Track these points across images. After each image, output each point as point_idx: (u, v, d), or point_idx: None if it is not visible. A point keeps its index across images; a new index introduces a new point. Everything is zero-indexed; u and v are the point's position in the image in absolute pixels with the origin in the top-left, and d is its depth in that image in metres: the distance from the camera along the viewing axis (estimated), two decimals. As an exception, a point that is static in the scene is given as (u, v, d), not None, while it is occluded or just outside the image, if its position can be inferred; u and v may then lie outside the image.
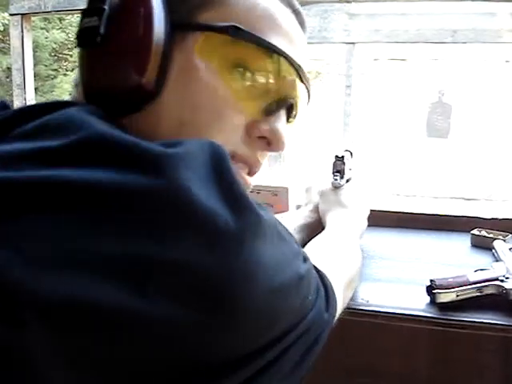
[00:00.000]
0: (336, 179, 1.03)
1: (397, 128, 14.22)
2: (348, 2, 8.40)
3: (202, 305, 0.40)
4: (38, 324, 0.35)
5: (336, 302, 0.63)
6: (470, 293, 0.80)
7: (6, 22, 10.54)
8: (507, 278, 0.81)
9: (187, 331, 0.40)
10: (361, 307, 0.80)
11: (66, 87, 13.93)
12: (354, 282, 0.82)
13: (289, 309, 0.49)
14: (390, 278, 0.91)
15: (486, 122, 14.58)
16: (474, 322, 0.75)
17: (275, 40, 0.59)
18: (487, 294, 0.80)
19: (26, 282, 0.36)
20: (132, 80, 0.54)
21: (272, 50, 0.59)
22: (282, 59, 0.60)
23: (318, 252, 0.77)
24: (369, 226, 1.03)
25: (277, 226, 0.49)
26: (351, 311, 0.80)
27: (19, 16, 5.68)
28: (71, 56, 15.04)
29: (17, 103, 5.81)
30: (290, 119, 0.65)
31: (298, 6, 0.64)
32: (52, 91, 13.82)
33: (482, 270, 0.85)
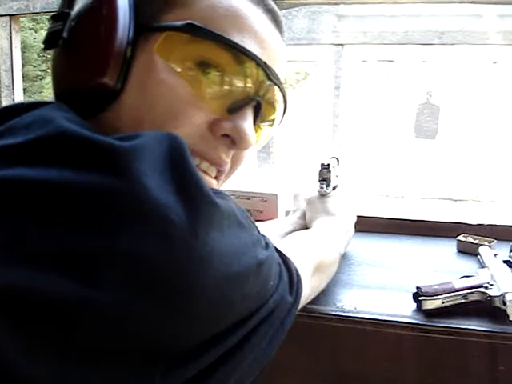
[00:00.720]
0: (322, 187, 1.05)
1: (385, 129, 14.26)
2: (336, 4, 8.43)
3: (154, 294, 0.41)
4: (2, 320, 0.37)
5: (301, 285, 0.64)
6: (455, 300, 0.81)
7: (-6, 23, 10.54)
8: (491, 284, 0.82)
9: (139, 318, 0.41)
10: (349, 314, 0.82)
11: (54, 88, 13.91)
12: (325, 270, 0.83)
13: (247, 295, 0.50)
14: (378, 285, 0.92)
15: (474, 123, 14.66)
16: (460, 328, 0.77)
17: (239, 38, 0.60)
18: (472, 301, 0.82)
19: None
20: (94, 80, 0.57)
21: (233, 48, 0.59)
22: (244, 57, 0.60)
23: (290, 242, 0.80)
24: (357, 231, 1.05)
25: (235, 213, 0.51)
26: (340, 318, 0.82)
27: (7, 17, 5.65)
28: (59, 57, 15.02)
29: (5, 104, 5.80)
30: (261, 120, 0.67)
31: (270, 4, 0.66)
32: (40, 92, 13.76)
33: (467, 276, 0.87)
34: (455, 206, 7.26)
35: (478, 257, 1.01)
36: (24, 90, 6.26)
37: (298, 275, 0.64)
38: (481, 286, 0.82)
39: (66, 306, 0.39)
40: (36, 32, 13.97)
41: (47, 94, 13.71)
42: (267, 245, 0.56)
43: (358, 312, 0.82)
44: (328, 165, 1.06)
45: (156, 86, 0.58)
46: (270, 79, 0.63)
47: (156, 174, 0.44)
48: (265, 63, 0.62)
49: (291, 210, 1.14)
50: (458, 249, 1.11)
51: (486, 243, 1.08)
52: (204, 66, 0.59)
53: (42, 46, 0.60)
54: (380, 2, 5.37)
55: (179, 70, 0.58)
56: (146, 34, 0.59)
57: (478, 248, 1.04)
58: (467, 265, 1.02)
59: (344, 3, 8.32)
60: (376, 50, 13.92)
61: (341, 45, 11.87)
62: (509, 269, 0.88)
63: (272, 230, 1.01)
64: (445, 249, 1.11)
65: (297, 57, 15.34)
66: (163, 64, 0.58)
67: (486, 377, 0.78)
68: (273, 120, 0.69)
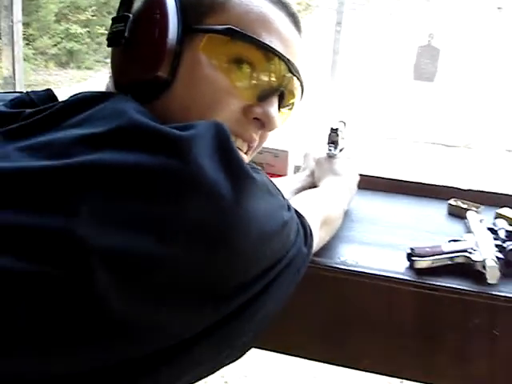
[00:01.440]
0: (330, 149, 1.16)
1: (384, 69, 14.17)
2: None
3: (211, 247, 0.56)
4: (102, 268, 0.50)
5: (312, 238, 0.78)
6: (443, 261, 0.94)
7: None
8: (475, 250, 0.95)
9: (201, 265, 0.56)
10: (350, 268, 0.95)
11: (51, 8, 13.63)
12: (330, 224, 0.98)
13: (274, 248, 0.64)
14: (376, 242, 1.05)
15: (474, 68, 14.56)
16: (445, 286, 0.91)
17: (268, 39, 0.74)
18: (457, 263, 0.95)
19: (89, 237, 0.51)
20: (150, 73, 0.70)
21: (264, 47, 0.74)
22: (272, 55, 0.75)
23: (302, 200, 0.94)
24: (359, 189, 1.18)
25: (267, 184, 0.65)
26: (342, 271, 0.95)
27: None
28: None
29: (3, 25, 5.75)
30: (285, 105, 0.82)
31: (292, 9, 0.80)
32: (37, 11, 13.53)
33: (454, 240, 1.00)
34: (447, 151, 7.36)
35: (466, 221, 1.14)
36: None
37: (311, 230, 0.78)
38: (465, 251, 0.95)
39: (151, 261, 0.53)
40: None
41: (44, 13, 13.48)
42: (289, 207, 0.70)
43: (358, 266, 0.95)
44: (336, 129, 1.17)
45: (201, 78, 0.72)
46: (291, 72, 0.78)
47: (208, 157, 0.58)
48: (288, 59, 0.76)
49: (301, 167, 1.26)
50: (448, 211, 1.23)
51: (474, 208, 1.20)
52: (239, 62, 0.73)
53: (107, 43, 0.73)
54: None
55: (220, 65, 0.72)
56: (191, 35, 0.72)
57: (466, 212, 1.16)
58: (456, 228, 1.14)
59: None
60: (380, -13, 13.70)
61: (345, -22, 11.70)
62: (491, 235, 1.01)
63: (285, 186, 1.13)
64: (437, 211, 1.23)
65: (304, 49, 15.06)
66: (206, 61, 0.72)
67: (461, 327, 0.92)
68: (292, 103, 0.84)
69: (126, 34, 0.71)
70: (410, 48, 14.09)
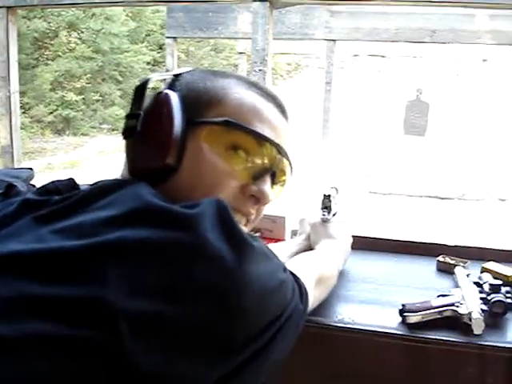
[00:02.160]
0: (324, 214, 1.26)
1: (374, 125, 14.40)
2: (330, 4, 8.58)
3: (217, 306, 0.64)
4: (129, 332, 0.59)
5: (308, 296, 0.87)
6: (432, 315, 1.02)
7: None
8: (461, 303, 1.03)
9: (211, 324, 0.64)
10: (347, 325, 1.03)
11: (46, 76, 13.94)
12: (325, 283, 1.06)
13: (274, 304, 0.73)
14: (370, 300, 1.13)
15: (463, 120, 14.81)
16: (435, 339, 0.98)
17: (259, 127, 0.86)
18: (446, 317, 1.02)
19: (116, 302, 0.60)
20: (159, 161, 0.81)
21: (257, 135, 0.85)
22: (264, 141, 0.86)
23: (297, 262, 1.04)
24: (352, 250, 1.26)
25: (264, 250, 0.74)
26: (339, 328, 1.03)
27: (5, 9, 5.71)
28: (52, 45, 15.02)
29: (0, 95, 5.90)
30: (277, 182, 0.93)
31: (279, 100, 0.93)
32: (33, 80, 13.84)
33: (443, 295, 1.07)
34: (441, 204, 7.46)
35: (454, 276, 1.21)
36: (17, 78, 6.31)
37: (306, 289, 0.87)
38: (453, 305, 1.03)
39: (166, 321, 0.62)
40: (29, 20, 14.00)
41: (40, 82, 13.75)
42: (285, 269, 0.79)
43: (355, 324, 1.03)
44: (329, 195, 1.27)
45: (203, 164, 0.83)
46: (281, 154, 0.89)
47: (213, 230, 0.67)
48: (278, 144, 0.88)
49: (298, 231, 1.34)
50: (437, 267, 1.31)
51: (462, 264, 1.28)
52: (236, 148, 0.85)
53: (122, 135, 0.85)
54: (372, 4, 5.55)
55: (219, 152, 0.84)
56: (193, 127, 0.84)
57: (454, 268, 1.24)
58: (445, 283, 1.22)
59: (337, 4, 8.50)
60: (368, 45, 14.10)
61: (333, 40, 12.03)
62: (477, 289, 1.09)
63: (282, 250, 1.21)
64: (427, 267, 1.31)
65: (288, 49, 15.49)
66: (208, 148, 0.83)
67: (452, 377, 0.99)
68: (283, 180, 0.95)
69: (138, 128, 0.83)
70: (398, 103, 14.34)
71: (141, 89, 0.85)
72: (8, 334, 0.58)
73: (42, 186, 0.82)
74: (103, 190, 0.74)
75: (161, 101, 0.84)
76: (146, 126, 0.83)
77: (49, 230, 0.68)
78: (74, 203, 0.72)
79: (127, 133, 0.85)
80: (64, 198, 0.75)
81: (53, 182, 0.82)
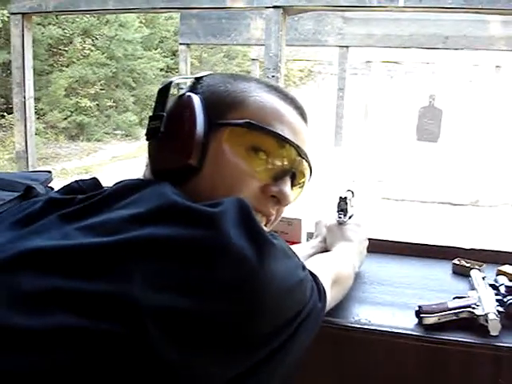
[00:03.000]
0: (340, 217, 1.27)
1: (387, 130, 14.38)
2: (342, 11, 8.58)
3: (240, 303, 0.66)
4: (152, 323, 0.61)
5: (326, 294, 0.88)
6: (448, 317, 1.03)
7: (5, 19, 10.67)
8: (478, 305, 1.03)
9: (232, 320, 0.65)
10: (364, 326, 1.04)
11: (61, 83, 14.04)
12: (341, 283, 1.07)
13: (294, 301, 0.75)
14: (387, 302, 1.14)
15: (476, 126, 14.76)
16: (451, 340, 0.99)
17: (280, 129, 0.88)
18: (462, 318, 1.03)
19: (141, 298, 0.62)
20: (183, 161, 0.83)
21: (277, 136, 0.87)
22: (284, 143, 0.88)
23: (315, 262, 1.05)
24: (368, 252, 1.27)
25: (284, 248, 0.75)
26: (356, 329, 1.04)
27: (20, 15, 5.76)
28: (67, 51, 15.14)
29: (16, 100, 5.95)
30: (296, 184, 0.94)
31: (298, 103, 0.95)
32: (48, 86, 13.95)
33: (459, 297, 1.08)
34: (454, 210, 7.43)
35: (470, 279, 1.22)
36: (31, 84, 6.36)
37: (324, 288, 0.88)
38: (469, 306, 1.03)
39: (191, 317, 0.63)
40: (44, 27, 14.12)
41: (54, 88, 13.86)
42: (304, 268, 0.80)
43: (371, 325, 1.04)
44: (345, 197, 1.28)
45: (225, 164, 0.85)
46: (301, 156, 0.91)
47: (234, 228, 0.69)
48: (297, 145, 0.90)
49: (314, 234, 1.35)
50: (453, 270, 1.32)
51: (477, 267, 1.28)
52: (257, 149, 0.87)
53: (146, 136, 0.87)
54: (385, 10, 5.55)
55: (240, 153, 0.85)
56: (215, 128, 0.85)
57: (470, 271, 1.25)
58: (460, 285, 1.22)
59: (350, 11, 8.50)
60: (380, 53, 14.08)
61: (346, 47, 12.07)
62: (493, 291, 1.09)
63: (299, 252, 1.22)
64: (443, 270, 1.32)
65: (301, 56, 15.50)
66: (229, 149, 0.85)
67: (468, 377, 1.00)
68: (303, 182, 0.97)
69: (161, 129, 0.84)
70: (411, 109, 14.32)
71: (164, 91, 0.87)
72: (34, 326, 0.60)
73: (67, 185, 0.84)
74: (128, 188, 0.76)
75: (184, 103, 0.86)
76: (169, 127, 0.85)
77: (74, 227, 0.70)
78: (99, 201, 0.74)
79: (150, 134, 0.87)
80: (89, 196, 0.77)
81: (76, 181, 0.84)
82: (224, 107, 0.87)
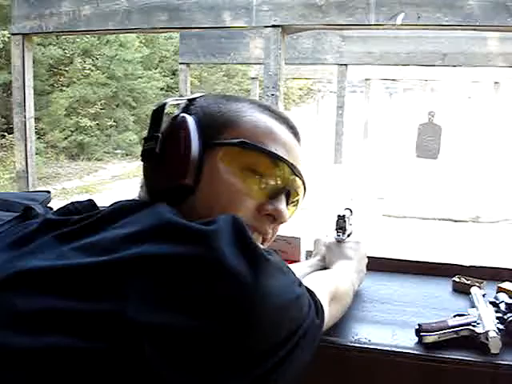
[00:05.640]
0: (339, 235, 1.27)
1: (387, 148, 14.40)
2: (340, 29, 8.64)
3: (237, 319, 0.65)
4: (148, 342, 0.61)
5: (323, 311, 0.88)
6: (449, 335, 1.02)
7: (6, 40, 10.75)
8: (478, 323, 1.03)
9: (229, 337, 0.65)
10: (363, 345, 1.03)
11: (61, 102, 14.09)
12: (340, 301, 1.07)
13: (291, 318, 0.74)
14: (387, 321, 1.13)
15: (476, 142, 14.78)
16: (452, 358, 0.98)
17: (274, 148, 0.88)
18: (462, 336, 1.02)
19: (136, 317, 0.62)
20: (178, 182, 0.83)
21: (272, 155, 0.88)
22: (278, 161, 0.89)
23: (312, 279, 1.05)
24: (368, 270, 1.27)
25: (279, 264, 0.75)
26: (356, 348, 1.03)
27: (21, 36, 5.80)
28: (67, 71, 15.21)
29: (16, 120, 5.98)
30: (290, 202, 0.94)
31: (291, 122, 0.96)
32: (48, 106, 14.00)
33: (459, 315, 1.07)
34: (455, 227, 7.42)
35: (470, 296, 1.21)
36: (32, 104, 6.38)
37: (322, 305, 0.88)
38: (469, 324, 1.03)
39: (187, 334, 0.63)
40: (45, 47, 14.21)
41: (54, 108, 13.91)
42: (300, 284, 0.80)
43: (371, 344, 1.03)
44: (343, 216, 1.28)
45: (220, 184, 0.85)
46: (295, 174, 0.92)
47: (229, 245, 0.69)
48: (291, 163, 0.90)
49: (313, 252, 1.35)
50: (453, 288, 1.31)
51: (477, 284, 1.28)
52: (252, 168, 0.87)
53: (140, 158, 0.88)
54: (383, 29, 5.58)
55: (235, 172, 0.86)
56: (210, 148, 0.86)
57: (470, 288, 1.24)
58: (461, 303, 1.22)
59: (348, 29, 8.56)
60: (379, 70, 14.16)
61: (344, 65, 12.14)
62: (493, 309, 1.09)
63: (297, 271, 1.22)
64: (443, 288, 1.31)
65: (300, 74, 15.58)
66: (224, 169, 0.86)
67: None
68: (297, 200, 0.97)
69: (156, 150, 0.85)
70: (411, 126, 14.35)
71: (158, 112, 0.88)
72: (29, 346, 0.60)
73: (62, 207, 0.84)
74: (123, 209, 0.76)
75: (178, 124, 0.87)
76: (164, 148, 0.85)
77: (70, 247, 0.70)
78: (95, 222, 0.75)
79: (145, 155, 0.87)
80: (84, 217, 0.77)
81: (72, 203, 0.85)
82: (218, 127, 0.88)
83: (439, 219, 7.74)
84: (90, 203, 0.85)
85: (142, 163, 0.90)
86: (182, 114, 0.88)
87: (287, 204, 0.93)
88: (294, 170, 0.91)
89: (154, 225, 0.71)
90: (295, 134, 0.96)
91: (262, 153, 0.87)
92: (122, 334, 0.61)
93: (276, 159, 0.88)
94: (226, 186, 0.85)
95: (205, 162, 0.85)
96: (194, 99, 0.93)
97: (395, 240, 6.18)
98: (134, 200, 0.84)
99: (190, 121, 0.87)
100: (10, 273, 0.67)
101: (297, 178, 0.92)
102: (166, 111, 0.89)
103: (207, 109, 0.91)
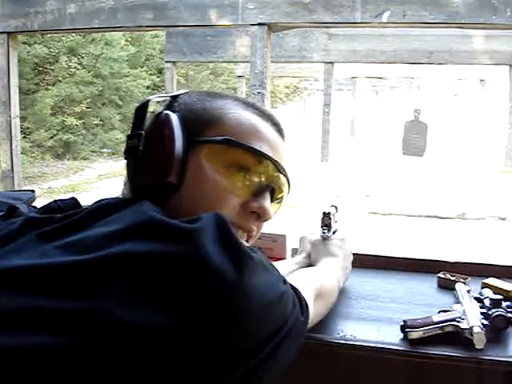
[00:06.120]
0: (324, 232, 1.27)
1: (373, 145, 14.45)
2: (326, 27, 8.65)
3: (221, 316, 0.65)
4: (132, 344, 0.61)
5: (308, 308, 0.88)
6: (433, 331, 1.02)
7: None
8: (463, 319, 1.03)
9: (213, 336, 0.65)
10: (349, 342, 1.03)
11: (47, 101, 14.02)
12: (325, 298, 1.06)
13: (275, 315, 0.74)
14: (372, 317, 1.13)
15: (462, 140, 14.86)
16: (437, 354, 0.98)
17: (258, 145, 0.88)
18: (447, 332, 1.03)
19: (118, 316, 0.61)
20: (162, 179, 0.83)
21: (256, 152, 0.88)
22: (263, 158, 0.89)
23: (297, 276, 1.05)
24: (353, 267, 1.27)
25: (263, 262, 0.75)
26: (341, 345, 1.03)
27: (5, 34, 5.76)
28: (52, 70, 15.14)
29: (1, 120, 5.93)
30: (275, 199, 0.94)
31: (275, 119, 0.96)
32: (34, 105, 13.91)
33: (444, 311, 1.08)
34: (441, 223, 7.46)
35: (455, 292, 1.22)
36: (17, 103, 6.34)
37: (306, 302, 0.88)
38: (454, 320, 1.03)
39: (170, 333, 0.63)
40: (30, 46, 14.12)
41: (40, 107, 13.83)
42: (284, 281, 0.80)
43: (356, 340, 1.03)
44: (329, 213, 1.28)
45: (205, 181, 0.85)
46: (279, 171, 0.92)
47: (213, 243, 0.69)
48: (276, 161, 0.90)
49: (298, 249, 1.35)
50: (438, 284, 1.31)
51: (462, 280, 1.28)
52: (236, 165, 0.87)
53: (124, 155, 0.87)
54: (369, 27, 5.59)
55: (220, 170, 0.86)
56: (194, 146, 0.86)
57: (455, 284, 1.25)
58: (446, 299, 1.22)
59: (334, 27, 8.58)
60: (365, 68, 14.20)
61: (331, 63, 12.17)
62: (478, 304, 1.09)
63: (283, 268, 1.22)
64: (427, 284, 1.31)
65: (287, 72, 15.59)
66: (209, 166, 0.85)
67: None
68: (281, 197, 0.97)
69: (140, 148, 0.84)
70: (397, 124, 14.40)
71: (141, 110, 0.87)
72: (12, 346, 0.59)
73: (45, 205, 0.84)
74: (106, 207, 0.76)
75: (161, 121, 0.86)
76: (147, 145, 0.85)
77: (52, 245, 0.70)
78: (77, 220, 0.74)
79: (129, 152, 0.86)
80: (67, 215, 0.76)
81: (55, 201, 0.84)
82: (202, 124, 0.88)
83: (425, 216, 7.77)
84: (73, 201, 0.85)
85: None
86: (165, 111, 0.88)
87: (271, 201, 0.93)
88: (279, 167, 0.91)
89: (137, 223, 0.70)
90: (279, 131, 0.96)
91: (247, 150, 0.87)
92: (105, 333, 0.60)
93: (260, 156, 0.88)
94: (211, 184, 0.85)
95: (189, 159, 0.84)
96: (178, 96, 0.93)
97: (382, 237, 6.21)
98: (117, 198, 0.83)
99: (174, 118, 0.86)
100: None
101: (281, 175, 0.92)
102: (150, 109, 0.88)
103: (191, 106, 0.90)
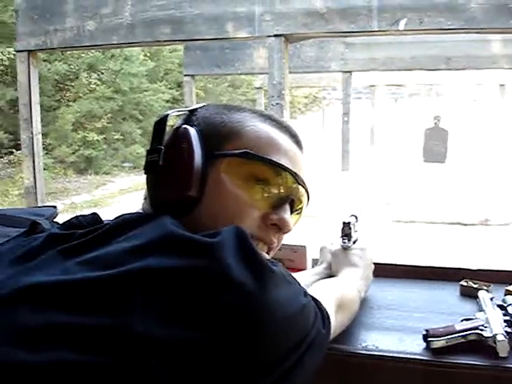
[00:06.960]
0: (345, 242, 1.27)
1: (394, 153, 14.37)
2: (343, 36, 8.65)
3: (243, 330, 0.66)
4: (156, 359, 0.61)
5: (330, 321, 0.88)
6: (456, 340, 1.01)
7: (12, 57, 10.82)
8: (486, 327, 1.02)
9: (235, 349, 0.66)
10: (371, 352, 1.03)
11: (68, 118, 14.16)
12: (346, 309, 1.06)
13: (297, 328, 0.74)
14: (394, 326, 1.13)
15: (483, 145, 14.72)
16: (460, 363, 0.98)
17: (277, 158, 0.89)
18: (470, 340, 1.02)
19: (143, 331, 0.62)
20: (182, 193, 0.84)
21: (275, 165, 0.88)
22: (281, 171, 0.89)
23: (318, 287, 1.05)
24: (374, 277, 1.26)
25: (284, 274, 0.76)
26: (364, 355, 1.03)
27: (26, 52, 5.83)
28: (73, 87, 15.31)
29: (23, 137, 6.00)
30: (294, 210, 0.95)
31: (293, 131, 0.96)
32: (55, 121, 14.06)
33: (466, 319, 1.07)
34: (464, 230, 7.38)
35: (477, 300, 1.21)
36: (39, 120, 6.41)
37: (328, 313, 0.88)
38: (477, 328, 1.02)
39: (194, 346, 0.64)
40: (50, 63, 14.30)
41: (61, 123, 13.97)
42: (305, 293, 0.80)
43: (379, 350, 1.03)
44: (349, 223, 1.28)
45: (224, 195, 0.86)
46: (298, 183, 0.92)
47: (234, 257, 0.69)
48: (295, 172, 0.91)
49: (319, 260, 1.35)
50: (460, 292, 1.30)
51: (485, 287, 1.27)
52: (255, 178, 0.88)
53: (144, 171, 0.89)
54: (386, 34, 5.57)
55: (239, 183, 0.86)
56: (213, 159, 0.86)
57: (477, 292, 1.24)
58: (468, 307, 1.21)
59: (351, 36, 8.56)
60: (384, 76, 14.15)
61: (349, 72, 12.15)
62: (501, 312, 1.08)
63: (304, 279, 1.22)
64: (450, 292, 1.31)
65: (305, 82, 15.60)
66: (228, 180, 0.86)
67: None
68: (301, 208, 0.97)
69: (160, 163, 0.85)
70: (417, 131, 14.31)
71: (160, 124, 0.88)
72: (35, 362, 0.60)
73: (67, 221, 0.85)
74: (127, 223, 0.77)
75: (180, 135, 0.87)
76: (167, 160, 0.86)
77: (74, 262, 0.71)
78: (99, 236, 0.75)
79: (149, 167, 0.88)
80: (88, 231, 0.77)
81: (76, 217, 0.85)
82: (220, 138, 0.88)
83: (449, 223, 7.71)
84: (94, 217, 0.86)
85: None
86: (184, 126, 0.89)
87: (291, 212, 0.93)
88: (297, 179, 0.92)
89: (158, 238, 0.71)
90: (297, 142, 0.96)
91: (265, 163, 0.88)
92: (127, 349, 0.61)
93: (279, 168, 0.89)
94: (231, 197, 0.85)
95: (208, 173, 0.85)
96: (196, 110, 0.94)
97: (405, 245, 6.17)
98: (137, 213, 0.85)
99: (192, 132, 0.87)
100: (14, 288, 0.67)
101: (300, 186, 0.93)
102: (169, 123, 0.89)
103: (209, 119, 0.91)
